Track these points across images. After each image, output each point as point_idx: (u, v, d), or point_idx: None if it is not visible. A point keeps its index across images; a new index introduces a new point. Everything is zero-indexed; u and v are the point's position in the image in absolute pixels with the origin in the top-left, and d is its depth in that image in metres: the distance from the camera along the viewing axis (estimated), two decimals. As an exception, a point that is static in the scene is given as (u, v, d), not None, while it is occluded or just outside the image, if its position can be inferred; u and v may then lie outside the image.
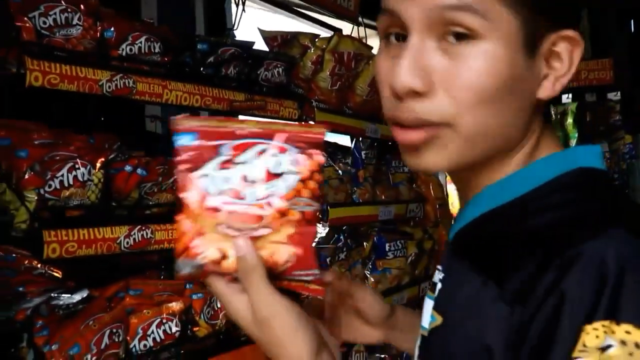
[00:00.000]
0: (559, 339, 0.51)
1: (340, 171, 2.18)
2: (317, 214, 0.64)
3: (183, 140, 0.59)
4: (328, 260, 2.09)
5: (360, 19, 2.56)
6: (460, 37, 0.58)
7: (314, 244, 0.64)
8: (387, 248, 2.21)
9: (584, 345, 0.49)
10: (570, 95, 3.03)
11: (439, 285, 0.70)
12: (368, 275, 2.21)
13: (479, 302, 0.60)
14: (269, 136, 0.61)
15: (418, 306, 0.78)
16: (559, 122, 2.61)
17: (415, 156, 0.63)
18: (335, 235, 2.27)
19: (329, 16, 2.61)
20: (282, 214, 0.61)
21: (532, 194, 0.63)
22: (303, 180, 0.61)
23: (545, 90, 0.63)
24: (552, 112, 2.72)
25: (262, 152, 0.60)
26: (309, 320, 0.67)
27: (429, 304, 0.72)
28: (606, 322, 0.49)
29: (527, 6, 0.58)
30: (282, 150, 0.61)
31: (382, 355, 2.11)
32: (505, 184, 0.66)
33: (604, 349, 0.49)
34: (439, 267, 0.73)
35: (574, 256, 0.53)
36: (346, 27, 2.67)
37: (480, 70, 0.58)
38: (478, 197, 0.68)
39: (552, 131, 0.72)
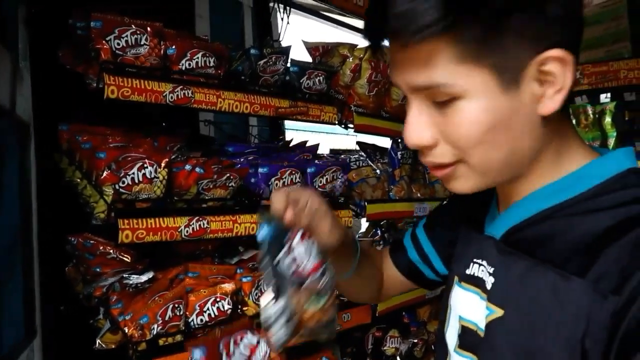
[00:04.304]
0: None
1: (377, 170, 2.29)
2: None
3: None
4: (365, 252, 2.23)
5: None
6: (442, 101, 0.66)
7: None
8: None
9: None
10: (609, 95, 2.93)
11: (492, 279, 0.73)
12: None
13: (559, 294, 0.63)
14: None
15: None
16: (597, 121, 2.53)
17: (448, 184, 0.74)
18: (374, 229, 2.40)
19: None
20: None
21: (594, 191, 0.68)
22: None
23: (546, 107, 0.65)
24: (590, 112, 2.66)
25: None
26: None
27: (469, 297, 0.78)
28: None
29: (486, 58, 0.62)
30: None
31: (415, 340, 2.22)
32: (559, 185, 0.71)
33: None
34: (479, 261, 0.77)
35: None
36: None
37: (465, 123, 0.65)
38: (527, 199, 0.73)
39: (573, 129, 0.73)
